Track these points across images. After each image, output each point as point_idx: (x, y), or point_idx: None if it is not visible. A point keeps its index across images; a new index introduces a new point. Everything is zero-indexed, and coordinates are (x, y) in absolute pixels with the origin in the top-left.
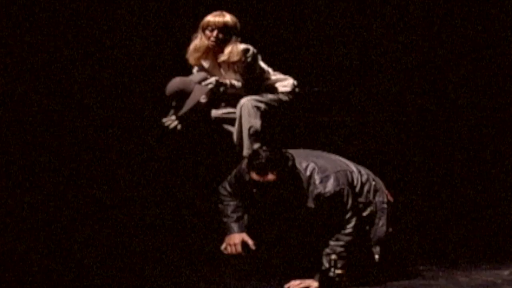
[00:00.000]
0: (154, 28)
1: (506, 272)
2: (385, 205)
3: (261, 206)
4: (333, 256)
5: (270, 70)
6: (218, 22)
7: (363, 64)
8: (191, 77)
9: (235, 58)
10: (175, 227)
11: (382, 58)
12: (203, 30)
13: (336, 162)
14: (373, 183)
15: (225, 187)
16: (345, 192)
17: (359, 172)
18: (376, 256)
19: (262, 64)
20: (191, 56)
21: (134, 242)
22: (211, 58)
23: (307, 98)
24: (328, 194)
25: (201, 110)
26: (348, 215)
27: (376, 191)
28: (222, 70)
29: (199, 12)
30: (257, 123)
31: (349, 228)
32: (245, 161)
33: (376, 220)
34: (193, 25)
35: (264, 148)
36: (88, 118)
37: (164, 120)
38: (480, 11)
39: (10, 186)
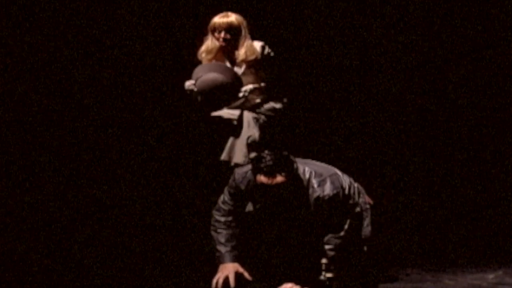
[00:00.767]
0: (154, 28)
1: (491, 276)
2: (367, 206)
3: (263, 209)
4: (324, 260)
5: None
6: (223, 23)
7: (363, 64)
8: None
9: (252, 55)
10: (175, 227)
11: (382, 58)
12: (212, 33)
13: (324, 166)
14: (356, 185)
15: (220, 209)
16: (341, 195)
17: (343, 175)
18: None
19: None
20: (204, 58)
21: (134, 242)
22: (222, 58)
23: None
24: (327, 197)
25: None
26: (342, 218)
27: (359, 192)
28: (236, 69)
29: (199, 12)
30: (255, 133)
31: (341, 231)
32: (238, 173)
33: (362, 221)
34: (193, 25)
35: (267, 151)
36: (88, 118)
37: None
38: (480, 11)
39: (10, 186)
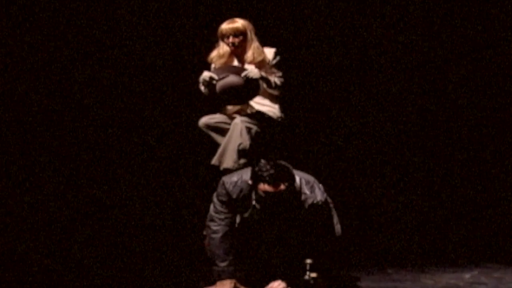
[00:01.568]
0: (154, 28)
1: (467, 275)
2: (332, 205)
3: (263, 214)
4: (308, 260)
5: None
6: (230, 28)
7: (363, 64)
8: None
9: (259, 57)
10: (175, 227)
11: (382, 58)
12: (222, 39)
13: (304, 173)
14: (320, 185)
15: (215, 218)
16: (329, 199)
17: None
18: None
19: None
20: (216, 62)
21: (134, 242)
22: (233, 61)
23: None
24: (320, 202)
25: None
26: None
27: (324, 192)
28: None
29: (199, 12)
30: (246, 141)
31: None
32: (228, 182)
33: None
34: (193, 25)
35: (268, 162)
36: (88, 118)
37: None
38: (480, 11)
39: (10, 186)
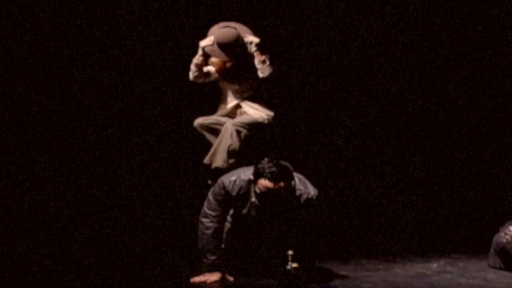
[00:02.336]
0: (154, 28)
1: (434, 265)
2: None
3: (263, 210)
4: (290, 252)
5: None
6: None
7: (363, 64)
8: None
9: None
10: (175, 227)
11: (382, 58)
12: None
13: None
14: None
15: (208, 215)
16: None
17: None
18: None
19: None
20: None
21: (134, 242)
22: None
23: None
24: (315, 197)
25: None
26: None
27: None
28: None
29: (199, 12)
30: (236, 143)
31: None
32: (227, 181)
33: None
34: (193, 25)
35: (267, 159)
36: (88, 118)
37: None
38: (480, 11)
39: (10, 186)
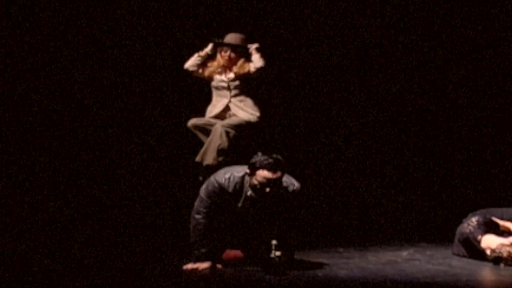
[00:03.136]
0: (154, 28)
1: (405, 253)
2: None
3: (253, 204)
4: (274, 241)
5: None
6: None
7: (363, 64)
8: None
9: (244, 70)
10: (175, 227)
11: (382, 58)
12: (220, 52)
13: None
14: None
15: (200, 212)
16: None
17: None
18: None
19: None
20: (215, 73)
21: (134, 242)
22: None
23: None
24: (299, 189)
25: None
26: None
27: None
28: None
29: (199, 12)
30: (225, 143)
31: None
32: (221, 178)
33: None
34: (193, 25)
35: (260, 153)
36: (88, 118)
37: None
38: (480, 11)
39: (10, 186)
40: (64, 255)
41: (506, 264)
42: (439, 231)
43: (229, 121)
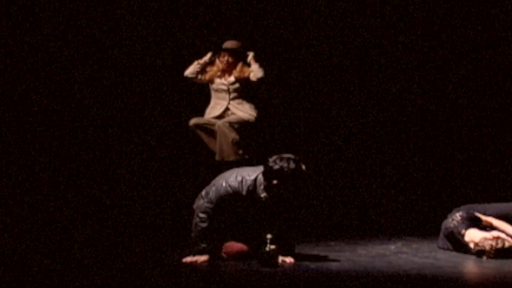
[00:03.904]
0: (154, 28)
1: (393, 247)
2: None
3: (267, 203)
4: (269, 236)
5: None
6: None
7: (363, 64)
8: None
9: (244, 74)
10: (175, 227)
11: (382, 58)
12: (218, 57)
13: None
14: None
15: (212, 202)
16: None
17: None
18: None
19: None
20: (215, 77)
21: (134, 242)
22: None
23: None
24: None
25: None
26: None
27: None
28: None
29: (199, 12)
30: (236, 136)
31: None
32: (247, 180)
33: None
34: (193, 25)
35: (276, 157)
36: (88, 118)
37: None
38: (480, 11)
39: (10, 186)
40: (64, 255)
41: (488, 256)
42: (425, 225)
43: (228, 119)
